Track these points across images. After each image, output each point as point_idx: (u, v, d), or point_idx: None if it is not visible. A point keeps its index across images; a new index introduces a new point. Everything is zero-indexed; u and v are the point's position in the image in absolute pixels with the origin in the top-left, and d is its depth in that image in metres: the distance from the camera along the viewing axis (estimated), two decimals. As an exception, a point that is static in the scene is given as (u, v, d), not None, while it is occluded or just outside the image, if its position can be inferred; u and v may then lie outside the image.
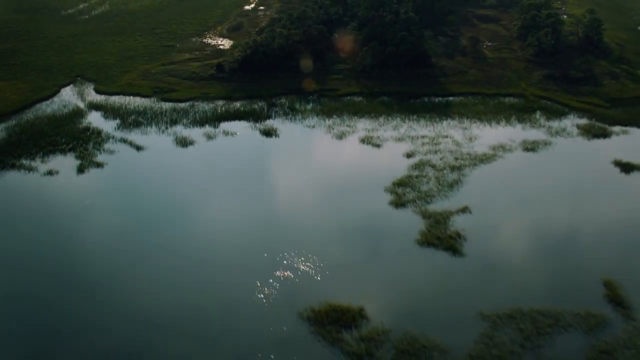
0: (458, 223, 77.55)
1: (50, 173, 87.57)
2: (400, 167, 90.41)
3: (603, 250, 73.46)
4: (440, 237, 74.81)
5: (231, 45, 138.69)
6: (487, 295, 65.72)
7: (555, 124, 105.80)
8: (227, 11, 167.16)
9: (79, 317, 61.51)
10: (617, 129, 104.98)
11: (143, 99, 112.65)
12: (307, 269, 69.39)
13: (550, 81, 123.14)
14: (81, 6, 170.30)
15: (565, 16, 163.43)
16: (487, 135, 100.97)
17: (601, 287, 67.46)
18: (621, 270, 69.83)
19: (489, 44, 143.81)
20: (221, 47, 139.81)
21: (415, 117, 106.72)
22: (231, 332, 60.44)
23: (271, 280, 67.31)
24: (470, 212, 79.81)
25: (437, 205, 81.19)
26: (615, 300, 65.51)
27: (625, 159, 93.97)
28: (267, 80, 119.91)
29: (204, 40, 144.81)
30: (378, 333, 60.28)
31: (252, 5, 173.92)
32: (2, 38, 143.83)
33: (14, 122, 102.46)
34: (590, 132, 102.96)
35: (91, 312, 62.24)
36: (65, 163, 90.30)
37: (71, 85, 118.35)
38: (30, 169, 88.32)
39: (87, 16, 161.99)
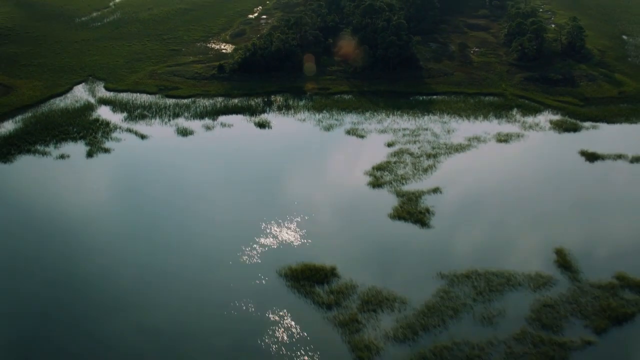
0: (428, 201, 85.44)
1: (62, 157, 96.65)
2: (381, 154, 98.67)
3: (558, 223, 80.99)
4: (411, 212, 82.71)
5: (233, 49, 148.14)
6: (447, 259, 73.47)
7: (529, 119, 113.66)
8: (231, 20, 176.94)
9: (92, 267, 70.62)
10: (587, 124, 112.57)
11: (149, 96, 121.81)
12: (288, 235, 77.59)
13: (530, 82, 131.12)
14: (94, 14, 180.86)
15: (553, 25, 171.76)
16: (464, 128, 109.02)
17: (553, 254, 75.04)
18: (572, 240, 77.43)
19: (477, 49, 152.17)
20: (224, 51, 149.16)
21: (399, 112, 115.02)
22: (216, 283, 68.75)
23: (255, 245, 75.50)
24: (440, 192, 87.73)
25: (411, 186, 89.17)
26: (564, 265, 72.98)
27: (591, 149, 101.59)
28: (264, 80, 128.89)
29: (208, 45, 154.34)
30: (346, 287, 68.23)
31: (256, 15, 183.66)
32: (21, 42, 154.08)
33: (30, 114, 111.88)
34: (562, 127, 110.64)
35: (99, 259, 71.29)
36: (75, 149, 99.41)
37: (83, 84, 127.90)
38: (44, 153, 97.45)
39: (99, 23, 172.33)
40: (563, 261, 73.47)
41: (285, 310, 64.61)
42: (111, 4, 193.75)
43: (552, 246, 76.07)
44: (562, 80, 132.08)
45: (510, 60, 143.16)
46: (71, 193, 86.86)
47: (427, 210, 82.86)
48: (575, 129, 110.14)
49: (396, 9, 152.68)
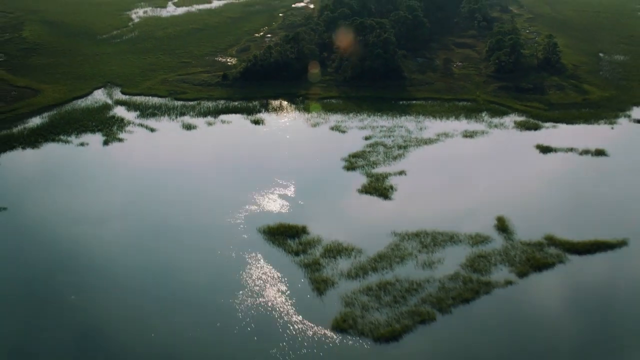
0: (393, 181, 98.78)
1: (82, 144, 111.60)
2: (358, 145, 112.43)
3: (504, 197, 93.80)
4: (377, 188, 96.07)
5: (237, 61, 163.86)
6: (401, 222, 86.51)
7: (496, 120, 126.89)
8: (238, 38, 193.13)
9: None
10: (548, 124, 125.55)
11: (160, 99, 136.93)
12: (269, 204, 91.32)
13: (503, 90, 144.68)
14: (114, 32, 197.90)
15: (536, 44, 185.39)
16: (436, 126, 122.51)
17: (494, 220, 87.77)
18: (513, 210, 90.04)
19: (459, 64, 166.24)
20: (229, 63, 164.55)
21: (379, 113, 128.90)
22: (205, 236, 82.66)
23: (241, 210, 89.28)
24: (405, 174, 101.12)
25: (381, 170, 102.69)
26: (502, 229, 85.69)
27: (546, 143, 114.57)
28: (263, 87, 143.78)
29: (215, 58, 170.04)
30: (313, 240, 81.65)
31: (261, 34, 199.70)
32: (48, 55, 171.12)
33: (54, 112, 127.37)
34: (524, 126, 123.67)
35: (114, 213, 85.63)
36: (94, 139, 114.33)
37: (102, 89, 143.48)
38: (66, 142, 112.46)
39: (119, 40, 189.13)
40: (501, 226, 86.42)
41: (260, 255, 78.21)
42: (130, 23, 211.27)
43: (494, 214, 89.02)
44: (533, 89, 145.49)
45: (488, 72, 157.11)
46: (88, 170, 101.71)
47: (391, 187, 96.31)
48: (536, 127, 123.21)
49: (387, 28, 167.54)
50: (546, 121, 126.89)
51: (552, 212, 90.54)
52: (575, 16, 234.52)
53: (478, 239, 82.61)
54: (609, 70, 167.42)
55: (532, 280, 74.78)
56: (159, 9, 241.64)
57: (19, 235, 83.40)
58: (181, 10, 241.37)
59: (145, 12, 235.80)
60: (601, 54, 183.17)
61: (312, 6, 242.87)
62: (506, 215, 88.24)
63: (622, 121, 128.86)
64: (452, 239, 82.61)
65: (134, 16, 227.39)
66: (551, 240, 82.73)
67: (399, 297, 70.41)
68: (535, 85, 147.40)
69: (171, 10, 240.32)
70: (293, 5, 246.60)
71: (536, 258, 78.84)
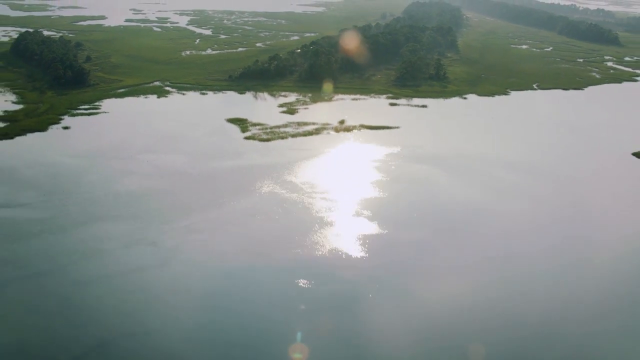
0: (299, 110, 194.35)
1: (145, 97, 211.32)
2: (290, 101, 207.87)
3: (352, 115, 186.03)
4: (290, 111, 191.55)
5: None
6: (296, 120, 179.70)
7: (377, 96, 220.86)
8: (247, 64, 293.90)
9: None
10: (407, 98, 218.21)
11: (190, 85, 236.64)
12: (233, 113, 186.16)
13: (394, 86, 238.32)
14: (169, 61, 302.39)
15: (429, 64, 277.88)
16: (339, 97, 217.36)
17: (339, 120, 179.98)
18: (352, 118, 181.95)
19: (379, 76, 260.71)
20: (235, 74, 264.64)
21: (311, 92, 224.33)
22: (204, 121, 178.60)
23: (219, 116, 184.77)
24: (307, 109, 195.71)
25: (296, 107, 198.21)
26: (340, 122, 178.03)
27: (396, 102, 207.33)
28: (251, 82, 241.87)
29: (228, 71, 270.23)
30: (249, 122, 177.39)
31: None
32: (127, 69, 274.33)
33: (131, 88, 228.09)
34: (391, 98, 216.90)
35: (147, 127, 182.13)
36: (152, 96, 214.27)
37: (158, 81, 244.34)
38: (137, 96, 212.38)
39: (171, 64, 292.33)
40: (341, 122, 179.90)
41: (225, 126, 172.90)
42: (179, 57, 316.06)
43: (340, 118, 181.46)
44: (413, 85, 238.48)
45: (391, 79, 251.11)
46: (148, 103, 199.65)
47: (297, 111, 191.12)
48: (397, 98, 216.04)
49: (335, 55, 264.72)
50: (407, 97, 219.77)
51: (373, 119, 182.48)
52: (491, 60, 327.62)
53: (324, 124, 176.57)
54: (477, 81, 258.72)
55: (337, 134, 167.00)
56: (200, 52, 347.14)
57: (117, 122, 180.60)
58: (216, 52, 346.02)
59: (191, 52, 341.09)
60: (482, 75, 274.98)
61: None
62: (346, 119, 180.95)
63: (455, 99, 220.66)
64: (313, 124, 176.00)
65: (183, 54, 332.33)
66: (361, 125, 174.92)
67: (277, 134, 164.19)
68: (416, 84, 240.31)
69: (209, 52, 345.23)
70: (297, 51, 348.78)
71: (348, 128, 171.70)
